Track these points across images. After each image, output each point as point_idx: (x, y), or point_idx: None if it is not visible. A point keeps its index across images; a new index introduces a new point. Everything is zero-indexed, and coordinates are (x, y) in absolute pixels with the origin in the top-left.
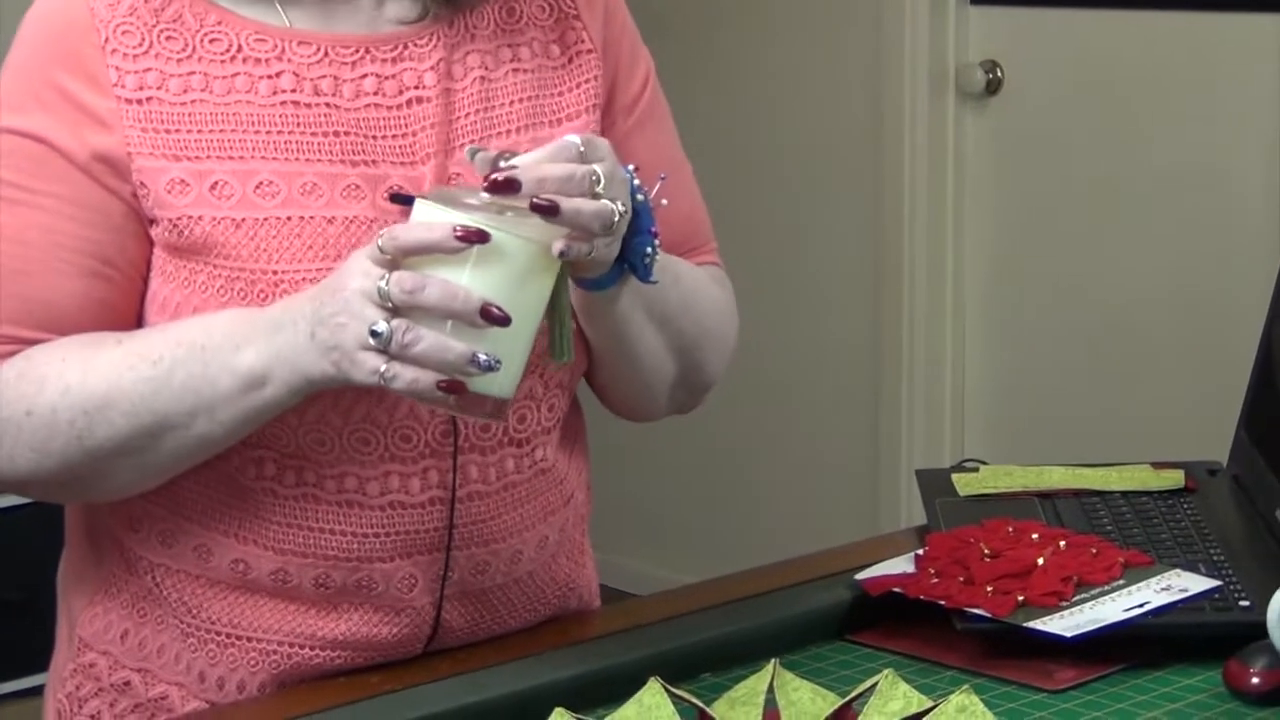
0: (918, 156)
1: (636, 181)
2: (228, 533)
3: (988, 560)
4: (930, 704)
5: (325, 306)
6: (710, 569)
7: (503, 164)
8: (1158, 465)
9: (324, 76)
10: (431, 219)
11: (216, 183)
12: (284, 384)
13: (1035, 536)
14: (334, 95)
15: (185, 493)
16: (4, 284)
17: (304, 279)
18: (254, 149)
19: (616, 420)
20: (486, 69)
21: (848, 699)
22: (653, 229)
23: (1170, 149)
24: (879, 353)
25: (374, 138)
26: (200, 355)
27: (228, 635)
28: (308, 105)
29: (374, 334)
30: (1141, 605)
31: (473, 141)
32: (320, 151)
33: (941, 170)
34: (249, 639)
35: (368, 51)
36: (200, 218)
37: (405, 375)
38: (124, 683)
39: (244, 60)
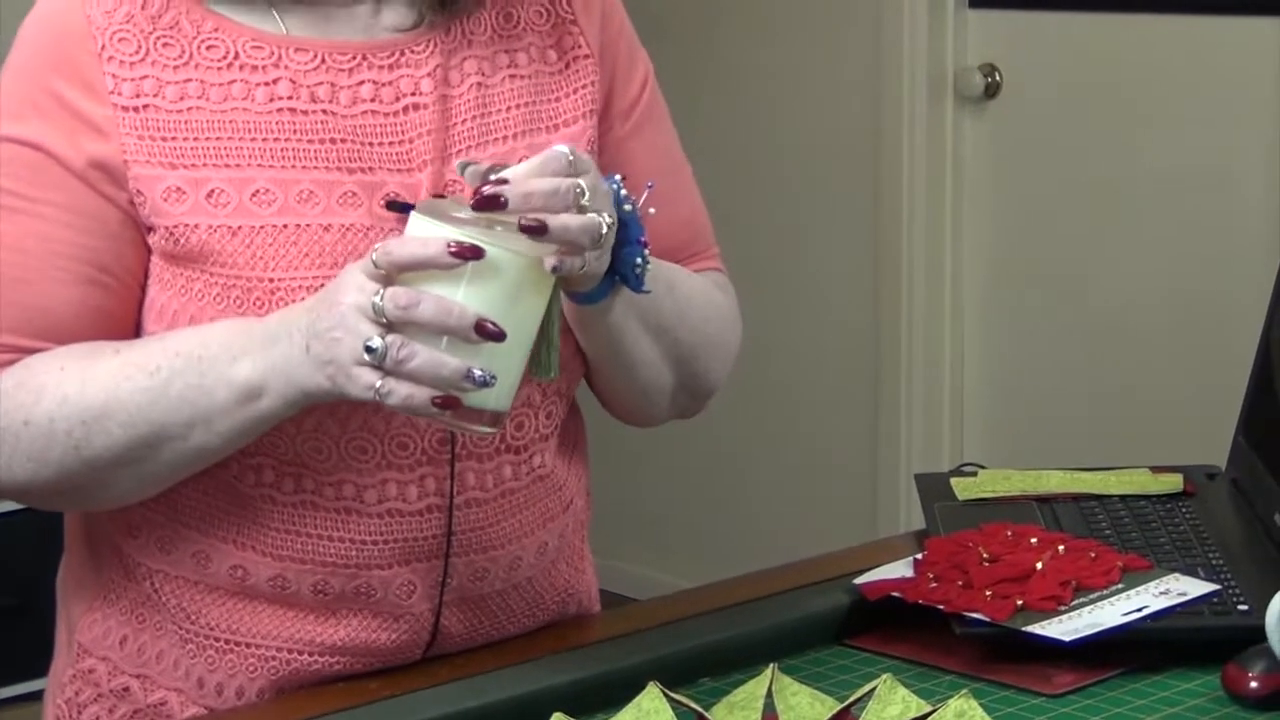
0: (916, 160)
1: (624, 191)
2: (226, 539)
3: (986, 564)
4: (929, 708)
5: (321, 320)
6: (709, 573)
7: (493, 178)
8: (1156, 469)
9: (321, 83)
10: (426, 234)
11: (213, 190)
12: (280, 396)
13: (1034, 541)
14: (330, 102)
15: (184, 499)
16: (2, 292)
17: (301, 286)
18: (250, 156)
19: (614, 425)
20: (483, 75)
21: (846, 703)
22: (642, 239)
23: (1169, 152)
24: (878, 356)
25: (370, 145)
26: (197, 366)
27: (226, 641)
28: (304, 112)
29: (369, 350)
30: (1140, 609)
31: (470, 147)
32: (317, 158)
33: (940, 173)
34: (247, 645)
35: (364, 58)
36: (197, 225)
37: (400, 391)
38: (123, 688)
39: (241, 67)
